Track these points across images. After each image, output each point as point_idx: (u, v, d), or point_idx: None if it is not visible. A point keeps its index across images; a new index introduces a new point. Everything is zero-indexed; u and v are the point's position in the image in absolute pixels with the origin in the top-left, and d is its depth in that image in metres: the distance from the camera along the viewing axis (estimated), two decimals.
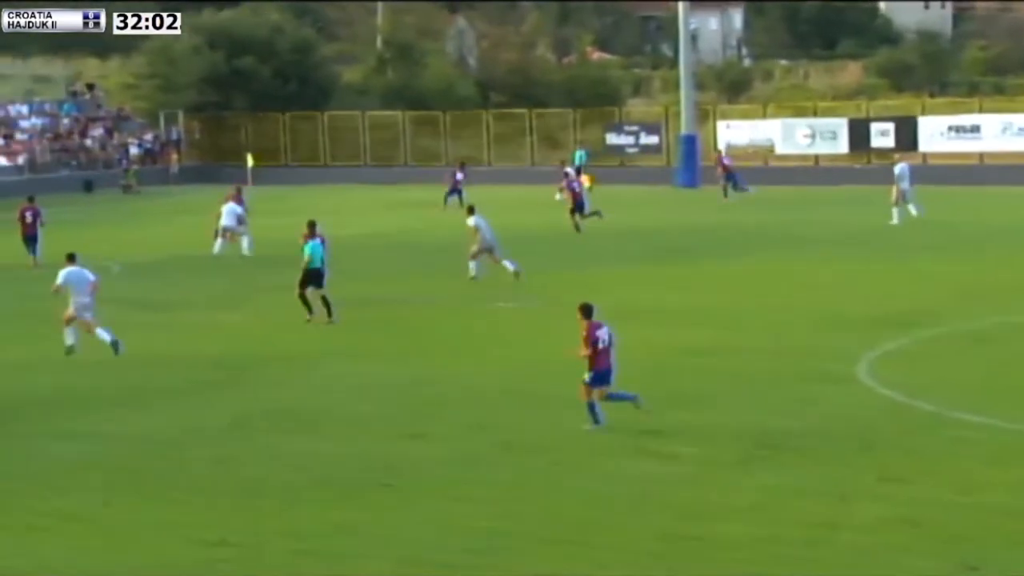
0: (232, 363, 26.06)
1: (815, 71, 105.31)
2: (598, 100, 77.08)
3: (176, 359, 26.65)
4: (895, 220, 45.03)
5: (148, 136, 76.25)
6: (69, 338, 26.73)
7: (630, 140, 69.98)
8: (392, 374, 24.84)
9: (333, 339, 28.38)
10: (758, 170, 64.07)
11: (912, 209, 45.44)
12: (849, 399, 21.78)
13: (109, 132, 75.45)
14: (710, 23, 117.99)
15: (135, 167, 71.00)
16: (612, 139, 70.18)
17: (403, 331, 29.22)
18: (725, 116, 70.18)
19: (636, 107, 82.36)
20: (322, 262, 30.04)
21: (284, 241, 45.17)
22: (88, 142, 73.71)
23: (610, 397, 20.25)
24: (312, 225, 30.42)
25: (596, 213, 45.66)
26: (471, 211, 36.17)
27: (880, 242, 41.51)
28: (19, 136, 71.78)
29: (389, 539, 15.88)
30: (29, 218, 41.81)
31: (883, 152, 63.00)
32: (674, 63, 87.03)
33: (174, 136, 76.91)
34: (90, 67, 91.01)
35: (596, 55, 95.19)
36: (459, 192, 54.77)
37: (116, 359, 26.42)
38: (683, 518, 16.27)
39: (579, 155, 65.81)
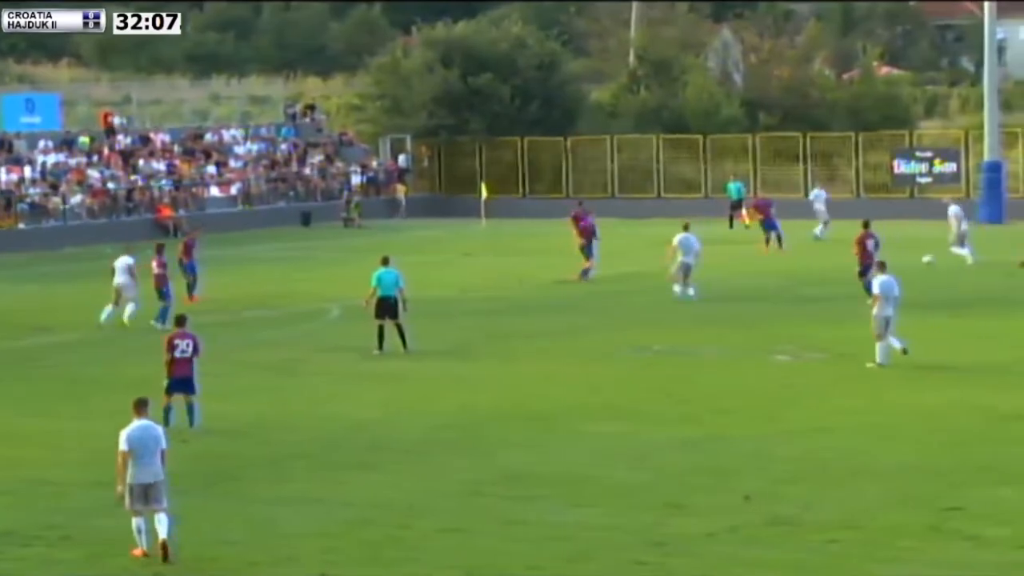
0: (466, 420, 26.17)
1: None
2: (885, 122, 75.73)
3: (406, 415, 26.88)
4: None
5: (372, 163, 77.45)
6: None
7: (922, 168, 68.56)
8: (651, 434, 24.66)
9: (581, 394, 28.30)
10: None
11: None
12: None
13: (329, 159, 76.94)
14: (1020, 32, 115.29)
15: (358, 198, 72.14)
16: (901, 167, 68.84)
17: (664, 385, 29.03)
18: None
19: (930, 130, 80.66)
20: (394, 290, 33.12)
21: (517, 282, 45.65)
22: (307, 170, 75.24)
23: (191, 407, 25.00)
24: (384, 259, 34.05)
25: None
26: None
27: None
28: (233, 163, 73.57)
29: None
30: (157, 269, 38.54)
31: None
32: (976, 79, 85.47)
33: (401, 163, 77.90)
34: (311, 87, 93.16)
35: (884, 70, 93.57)
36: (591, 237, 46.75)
37: (349, 415, 26.83)
38: None
39: (734, 187, 65.06)
